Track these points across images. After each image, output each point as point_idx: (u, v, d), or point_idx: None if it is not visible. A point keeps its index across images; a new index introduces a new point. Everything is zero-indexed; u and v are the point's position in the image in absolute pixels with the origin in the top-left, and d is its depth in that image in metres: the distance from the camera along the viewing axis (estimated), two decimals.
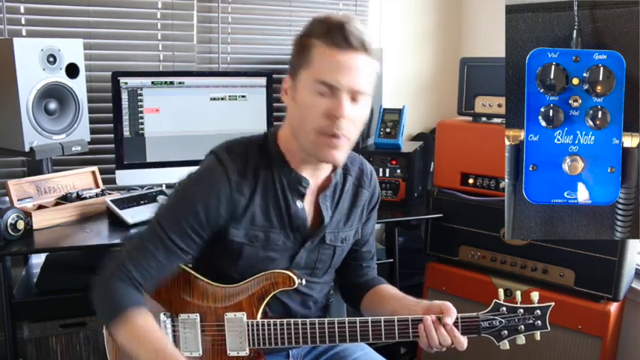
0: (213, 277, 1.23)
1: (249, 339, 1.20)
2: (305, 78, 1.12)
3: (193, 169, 1.22)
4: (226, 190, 1.16)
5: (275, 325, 1.19)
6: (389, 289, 1.36)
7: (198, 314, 1.22)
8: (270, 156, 1.21)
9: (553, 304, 1.16)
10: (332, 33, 1.08)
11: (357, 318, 1.18)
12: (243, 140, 1.24)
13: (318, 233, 1.25)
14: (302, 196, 1.23)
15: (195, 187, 1.18)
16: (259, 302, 1.20)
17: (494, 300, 1.17)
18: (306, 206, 1.24)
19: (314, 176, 1.23)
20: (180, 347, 1.22)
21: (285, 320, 1.19)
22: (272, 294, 1.21)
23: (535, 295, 1.16)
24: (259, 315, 1.20)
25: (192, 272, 1.23)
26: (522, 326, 1.15)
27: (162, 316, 1.23)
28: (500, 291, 1.19)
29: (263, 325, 1.19)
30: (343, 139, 1.12)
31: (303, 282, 1.22)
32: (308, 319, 1.19)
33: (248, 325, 1.20)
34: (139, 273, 1.14)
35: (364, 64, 1.11)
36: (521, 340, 1.16)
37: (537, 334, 1.17)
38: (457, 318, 1.15)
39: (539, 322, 1.15)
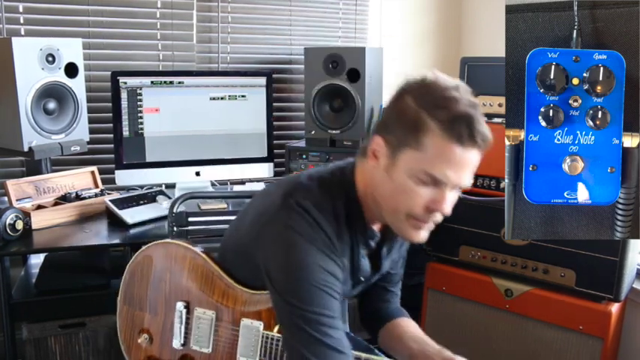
0: (236, 280, 1.20)
1: (261, 349, 1.17)
2: (410, 161, 1.00)
3: (279, 237, 1.07)
4: (334, 251, 1.07)
5: None
6: (410, 326, 1.33)
7: (214, 312, 1.20)
8: (351, 210, 1.12)
9: None
10: (457, 125, 0.97)
11: (373, 357, 1.14)
12: (323, 188, 1.11)
13: (372, 278, 1.25)
14: (368, 249, 1.20)
15: (306, 250, 1.04)
16: None
17: None
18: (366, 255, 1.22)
19: (378, 227, 1.20)
20: (190, 340, 1.21)
21: None
22: None
23: None
24: (276, 329, 1.17)
25: (218, 269, 1.21)
26: None
27: (178, 304, 1.21)
28: None
29: (278, 340, 1.16)
30: (431, 223, 1.07)
31: None
32: None
33: (263, 336, 1.17)
34: (339, 354, 1.03)
35: (477, 159, 1.01)
36: None
37: None
38: None
39: None
